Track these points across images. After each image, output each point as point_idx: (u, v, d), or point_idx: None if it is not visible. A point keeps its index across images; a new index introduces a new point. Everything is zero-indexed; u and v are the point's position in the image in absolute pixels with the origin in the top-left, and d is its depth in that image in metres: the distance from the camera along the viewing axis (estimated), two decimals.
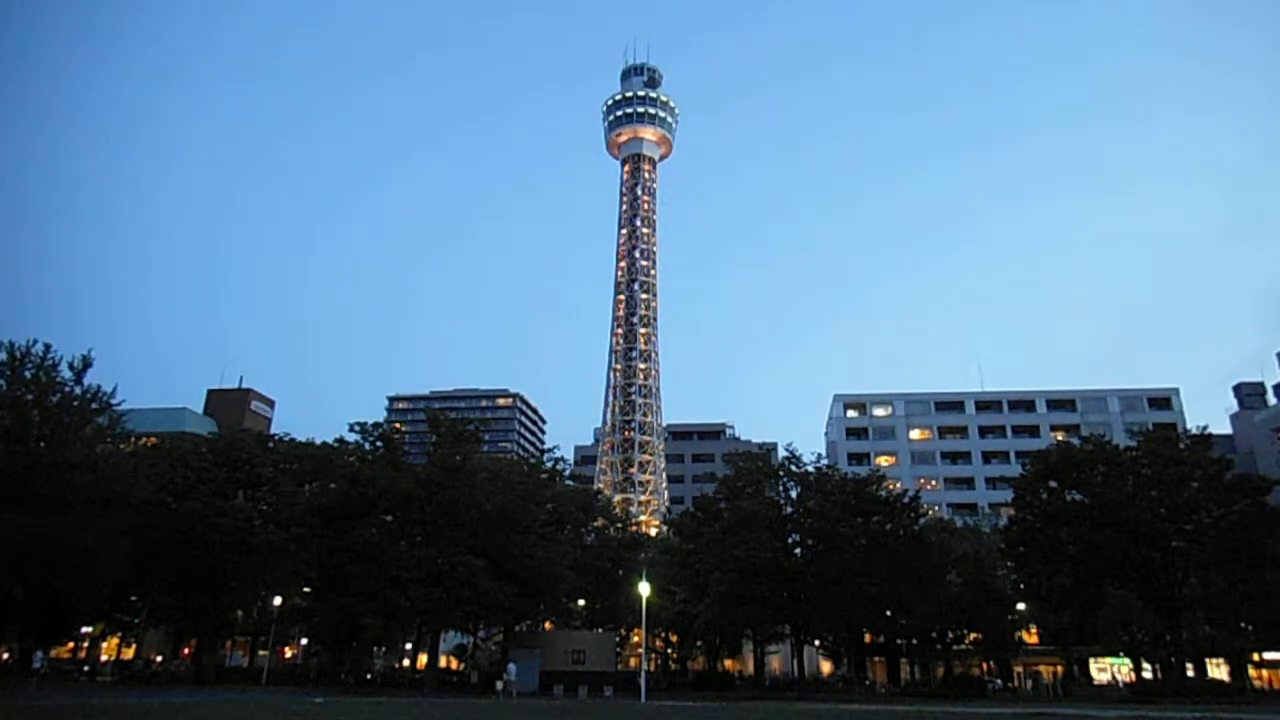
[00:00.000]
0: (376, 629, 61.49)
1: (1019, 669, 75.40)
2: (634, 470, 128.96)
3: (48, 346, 44.71)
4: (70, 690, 40.73)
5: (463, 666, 77.51)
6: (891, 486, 63.12)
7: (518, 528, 54.92)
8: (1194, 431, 59.37)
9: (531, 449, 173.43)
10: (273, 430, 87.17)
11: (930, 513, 72.55)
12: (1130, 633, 54.21)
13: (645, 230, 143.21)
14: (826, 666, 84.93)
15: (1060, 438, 74.31)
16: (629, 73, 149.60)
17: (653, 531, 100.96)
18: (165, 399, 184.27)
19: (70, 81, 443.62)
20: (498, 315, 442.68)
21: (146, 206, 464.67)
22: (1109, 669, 72.11)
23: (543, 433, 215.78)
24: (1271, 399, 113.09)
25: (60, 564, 39.74)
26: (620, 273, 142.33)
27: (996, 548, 62.72)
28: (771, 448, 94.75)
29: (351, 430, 58.71)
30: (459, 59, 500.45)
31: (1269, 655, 67.70)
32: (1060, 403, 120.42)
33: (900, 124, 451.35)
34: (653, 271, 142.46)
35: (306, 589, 59.50)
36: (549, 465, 72.99)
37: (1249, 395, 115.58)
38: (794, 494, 61.69)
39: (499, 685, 49.37)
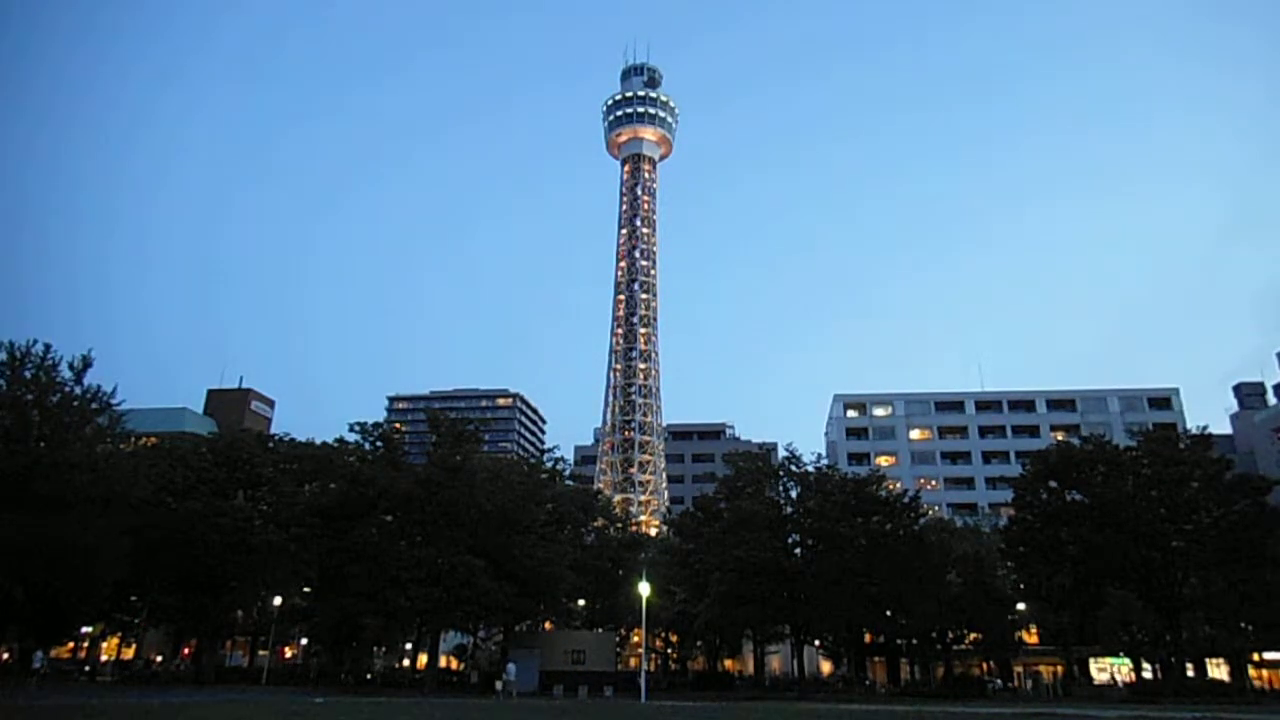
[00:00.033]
0: (376, 629, 61.49)
1: (1019, 669, 75.39)
2: (634, 470, 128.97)
3: (48, 346, 44.79)
4: (70, 690, 40.72)
5: (463, 666, 77.52)
6: (891, 486, 63.13)
7: (518, 528, 54.92)
8: (1194, 431, 59.42)
9: (531, 449, 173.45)
10: (273, 430, 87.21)
11: (930, 513, 72.55)
12: (1130, 633, 54.18)
13: (645, 230, 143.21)
14: (826, 666, 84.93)
15: (1060, 438, 74.36)
16: (629, 73, 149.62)
17: (653, 531, 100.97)
18: (165, 399, 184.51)
19: (70, 81, 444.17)
20: (498, 315, 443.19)
21: (146, 206, 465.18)
22: (1109, 669, 72.08)
23: (543, 433, 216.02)
24: (1271, 399, 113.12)
25: (60, 564, 39.74)
26: (620, 273, 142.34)
27: (996, 548, 62.74)
28: (771, 448, 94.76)
29: (351, 430, 58.81)
30: (459, 59, 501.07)
31: (1269, 655, 67.65)
32: (1060, 403, 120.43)
33: (900, 124, 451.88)
34: (653, 271, 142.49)
35: (306, 589, 59.50)
36: (549, 465, 73.01)
37: (1249, 395, 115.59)
38: (794, 494, 61.70)
39: (499, 685, 49.37)
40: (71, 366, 45.05)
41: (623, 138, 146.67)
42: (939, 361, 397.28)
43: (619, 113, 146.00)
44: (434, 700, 42.02)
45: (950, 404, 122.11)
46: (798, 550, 60.30)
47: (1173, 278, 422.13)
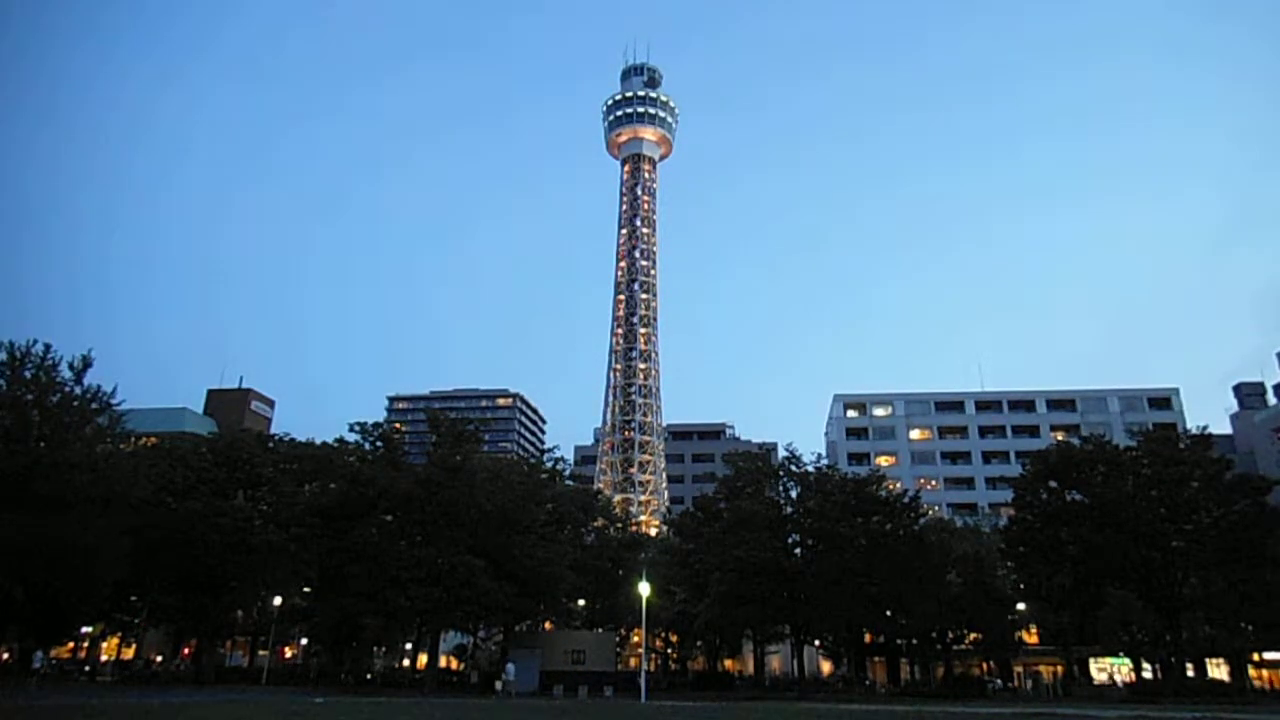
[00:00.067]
0: (376, 629, 61.50)
1: (1019, 669, 75.40)
2: (634, 470, 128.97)
3: (48, 346, 44.80)
4: (70, 690, 40.72)
5: (463, 666, 77.53)
6: (891, 486, 63.12)
7: (518, 528, 54.92)
8: (1194, 431, 59.40)
9: (531, 449, 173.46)
10: (273, 430, 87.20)
11: (930, 513, 72.55)
12: (1130, 633, 54.18)
13: (645, 230, 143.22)
14: (826, 666, 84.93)
15: (1060, 438, 74.35)
16: (629, 73, 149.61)
17: (653, 531, 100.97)
18: (165, 399, 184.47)
19: (70, 81, 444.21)
20: (498, 315, 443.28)
21: (147, 206, 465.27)
22: (1109, 669, 72.10)
23: (543, 433, 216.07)
24: (1271, 399, 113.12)
25: (60, 564, 39.73)
26: (620, 273, 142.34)
27: (996, 548, 62.73)
28: (771, 448, 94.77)
29: (351, 430, 58.79)
30: (459, 59, 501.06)
31: (1269, 655, 67.66)
32: (1060, 403, 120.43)
33: (900, 124, 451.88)
34: (653, 271, 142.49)
35: (306, 589, 59.50)
36: (549, 465, 73.01)
37: (1249, 395, 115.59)
38: (794, 494, 61.70)
39: (498, 685, 49.35)
40: (71, 366, 45.09)
41: (623, 138, 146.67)
42: (939, 361, 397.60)
43: (619, 113, 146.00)
44: (434, 700, 42.02)
45: (950, 404, 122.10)
46: (798, 550, 60.29)
47: (1173, 278, 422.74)
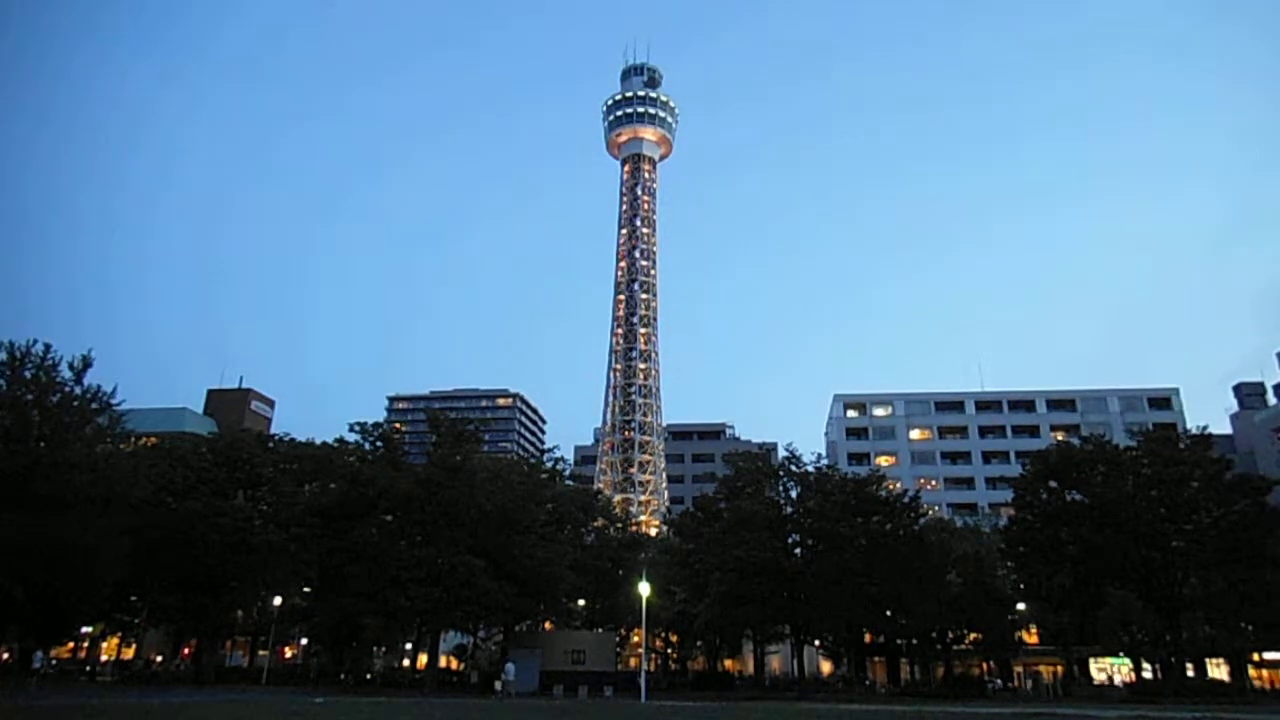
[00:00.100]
0: (376, 629, 61.50)
1: (1019, 669, 75.40)
2: (634, 470, 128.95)
3: (48, 346, 44.80)
4: (70, 690, 40.72)
5: (463, 666, 77.52)
6: (891, 486, 63.11)
7: (518, 528, 54.91)
8: (1194, 431, 59.38)
9: (531, 449, 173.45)
10: (273, 430, 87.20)
11: (930, 513, 72.54)
12: (1130, 633, 54.20)
13: (645, 230, 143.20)
14: (826, 666, 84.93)
15: (1060, 438, 74.33)
16: (629, 73, 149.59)
17: (653, 531, 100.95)
18: (165, 399, 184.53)
19: (70, 81, 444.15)
20: (498, 315, 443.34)
21: (147, 206, 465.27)
22: (1109, 669, 72.11)
23: (543, 433, 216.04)
24: (1271, 399, 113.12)
25: (60, 564, 39.73)
26: (620, 273, 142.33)
27: (996, 548, 62.72)
28: (771, 448, 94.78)
29: (351, 430, 58.78)
30: (459, 59, 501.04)
31: (1269, 655, 67.68)
32: (1060, 403, 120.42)
33: (900, 124, 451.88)
34: (653, 271, 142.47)
35: (306, 589, 59.49)
36: (549, 465, 72.99)
37: (1249, 395, 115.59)
38: (794, 494, 61.68)
39: (498, 685, 49.34)
40: (71, 366, 45.09)
41: (623, 138, 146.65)
42: (939, 361, 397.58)
43: (619, 113, 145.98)
44: (434, 700, 42.02)
45: (950, 404, 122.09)
46: (798, 550, 60.27)
47: (1173, 278, 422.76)
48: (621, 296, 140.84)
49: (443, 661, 75.09)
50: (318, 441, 62.13)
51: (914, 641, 65.48)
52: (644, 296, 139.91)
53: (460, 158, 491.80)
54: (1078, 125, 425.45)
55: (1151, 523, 53.65)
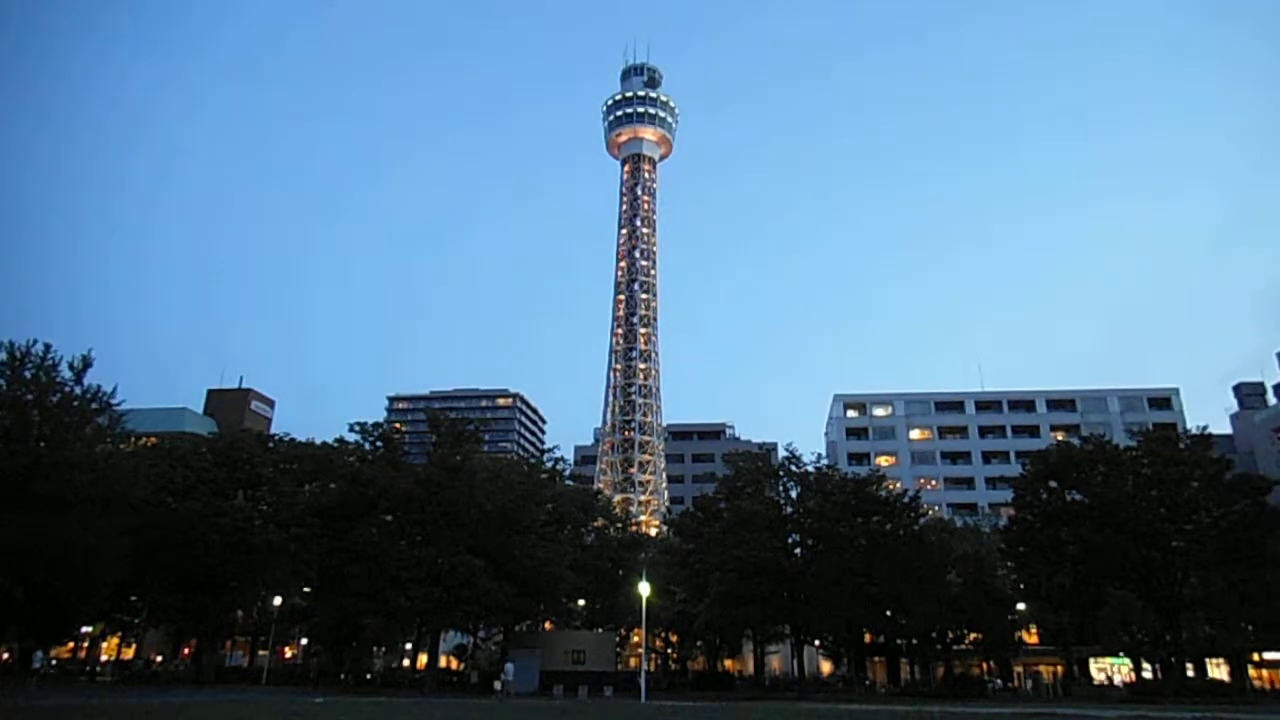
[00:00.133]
0: (376, 629, 61.51)
1: (1019, 669, 75.40)
2: (634, 470, 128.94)
3: (48, 346, 44.77)
4: (70, 690, 40.74)
5: (463, 666, 77.52)
6: (891, 486, 63.08)
7: (518, 528, 54.90)
8: (1194, 431, 59.37)
9: (531, 449, 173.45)
10: (273, 430, 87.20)
11: (930, 513, 72.54)
12: (1130, 633, 54.19)
13: (645, 230, 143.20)
14: (826, 666, 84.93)
15: (1060, 438, 74.32)
16: (629, 73, 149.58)
17: (653, 531, 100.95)
18: (165, 399, 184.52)
19: (70, 82, 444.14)
20: (498, 315, 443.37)
21: (147, 206, 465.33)
22: (1109, 669, 72.11)
23: (543, 433, 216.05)
24: (1271, 399, 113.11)
25: (60, 564, 39.72)
26: (620, 273, 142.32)
27: (996, 548, 62.71)
28: (771, 448, 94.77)
29: (351, 430, 58.73)
30: (459, 59, 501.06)
31: (1269, 655, 67.69)
32: (1060, 403, 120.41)
33: (900, 124, 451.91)
34: (653, 271, 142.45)
35: (306, 589, 59.49)
36: (549, 465, 72.97)
37: (1249, 395, 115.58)
38: (794, 494, 61.66)
39: (497, 685, 49.33)
40: (71, 366, 45.07)
41: (623, 138, 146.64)
42: (939, 361, 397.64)
43: (619, 113, 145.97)
44: (434, 700, 42.02)
45: (950, 404, 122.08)
46: (798, 550, 60.26)
47: (1173, 278, 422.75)
48: (621, 296, 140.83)
49: (443, 661, 75.08)
50: (318, 441, 62.14)
51: (914, 641, 65.47)
52: (644, 296, 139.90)
53: (460, 158, 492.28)
54: (1078, 125, 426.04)
55: (1151, 523, 53.64)
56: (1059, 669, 71.14)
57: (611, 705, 40.93)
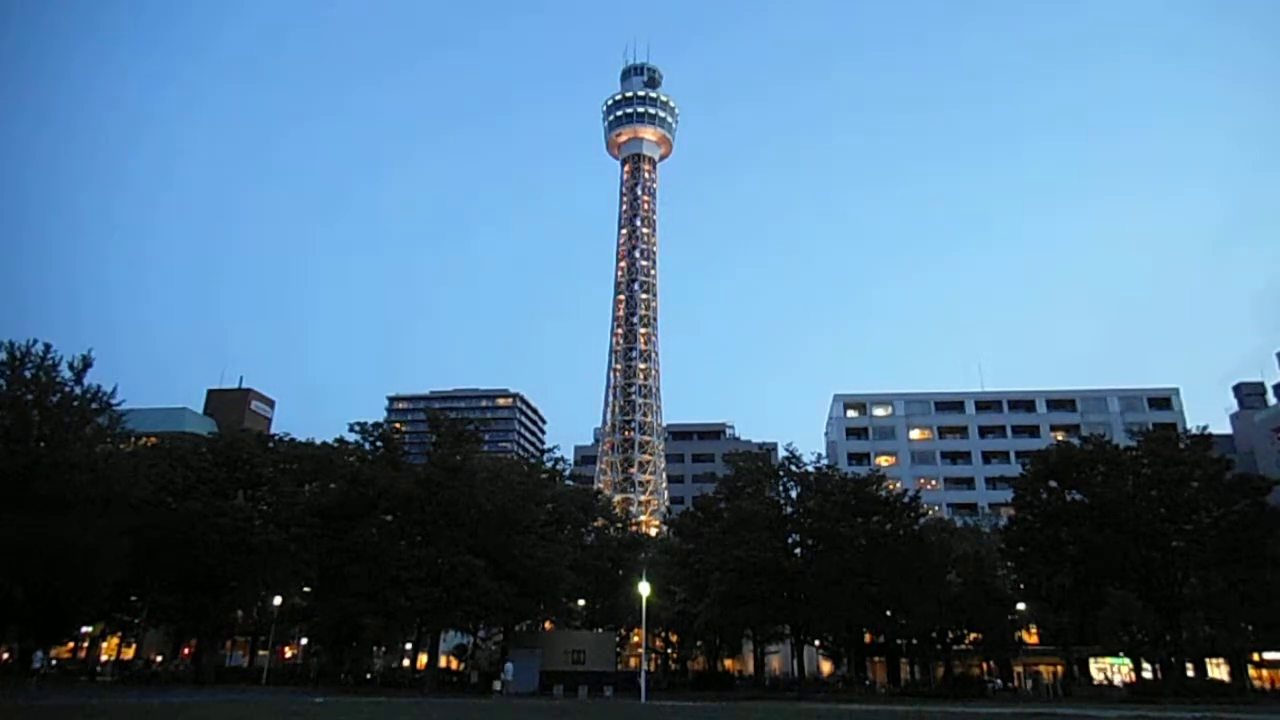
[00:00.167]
0: (376, 629, 61.49)
1: (1019, 669, 75.39)
2: (634, 470, 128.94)
3: (48, 346, 44.75)
4: (70, 690, 40.73)
5: (463, 666, 77.50)
6: (891, 486, 63.09)
7: (518, 528, 54.90)
8: (1194, 431, 59.37)
9: (531, 449, 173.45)
10: (273, 430, 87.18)
11: (930, 513, 72.54)
12: (1130, 633, 54.20)
13: (645, 230, 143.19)
14: (826, 666, 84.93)
15: (1060, 438, 74.33)
16: (629, 73, 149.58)
17: (653, 531, 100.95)
18: (165, 399, 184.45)
19: (70, 81, 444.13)
20: (498, 315, 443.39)
21: (147, 206, 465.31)
22: (1109, 669, 72.11)
23: (543, 433, 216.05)
24: (1271, 399, 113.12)
25: (60, 564, 39.71)
26: (620, 273, 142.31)
27: (996, 548, 62.72)
28: (771, 448, 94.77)
29: (351, 430, 58.72)
30: (459, 59, 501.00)
31: (1269, 655, 67.67)
32: (1060, 403, 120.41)
33: (900, 124, 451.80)
34: (653, 271, 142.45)
35: (306, 589, 59.48)
36: (549, 465, 72.97)
37: (1249, 395, 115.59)
38: (794, 494, 61.66)
39: (497, 685, 49.32)
40: (71, 366, 45.05)
41: (623, 138, 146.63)
42: (939, 361, 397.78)
43: (619, 113, 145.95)
44: (434, 700, 42.01)
45: (950, 404, 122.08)
46: (798, 550, 60.27)
47: (1173, 278, 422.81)
48: (621, 296, 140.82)
49: (443, 661, 75.07)
50: (318, 441, 62.12)
51: (914, 641, 65.47)
52: (644, 296, 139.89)
53: (460, 158, 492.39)
54: (1078, 125, 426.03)
55: (1151, 523, 53.64)
56: (1059, 669, 71.13)
57: (611, 705, 40.93)
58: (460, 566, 50.21)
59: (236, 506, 52.44)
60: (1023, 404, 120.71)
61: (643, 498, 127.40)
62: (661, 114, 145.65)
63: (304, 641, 73.93)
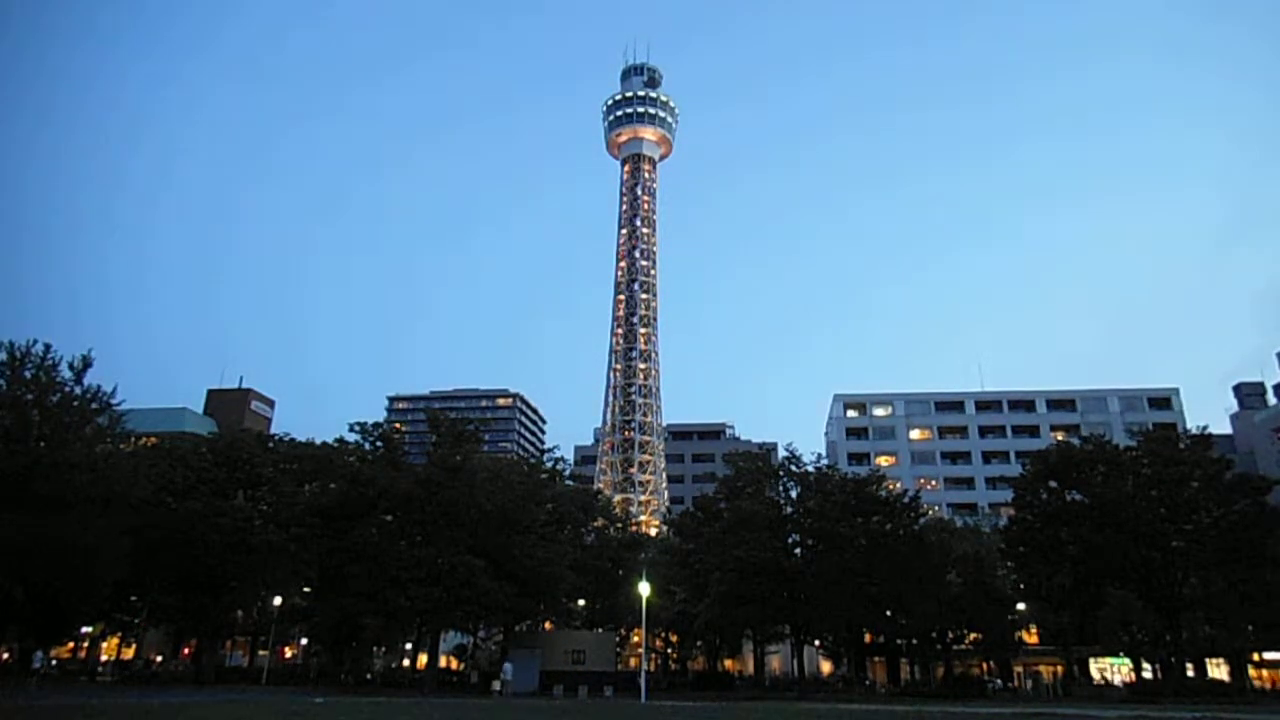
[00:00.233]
0: (376, 629, 61.45)
1: (1019, 669, 75.39)
2: (634, 470, 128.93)
3: (48, 346, 44.73)
4: (70, 690, 40.72)
5: (463, 666, 77.51)
6: (891, 486, 63.11)
7: (518, 528, 54.89)
8: (1194, 431, 59.36)
9: (531, 449, 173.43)
10: (273, 430, 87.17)
11: (930, 513, 72.53)
12: (1130, 633, 54.17)
13: (645, 230, 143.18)
14: (826, 666, 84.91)
15: (1060, 438, 74.32)
16: (629, 73, 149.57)
17: (653, 531, 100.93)
18: (165, 399, 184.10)
19: (70, 81, 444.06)
20: (498, 315, 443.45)
21: (147, 206, 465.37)
22: (1109, 669, 72.10)
23: (543, 433, 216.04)
24: (1271, 399, 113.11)
25: (60, 564, 39.69)
26: (620, 273, 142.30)
27: (996, 548, 62.71)
28: (771, 448, 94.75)
29: (351, 430, 58.73)
30: (459, 59, 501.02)
31: (1269, 655, 67.68)
32: (1060, 403, 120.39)
33: (900, 124, 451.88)
34: (653, 271, 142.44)
35: (306, 589, 59.48)
36: (549, 465, 72.94)
37: (1249, 395, 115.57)
38: (794, 494, 61.67)
39: (495, 685, 49.30)
40: (71, 366, 45.03)
41: (623, 138, 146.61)
42: (939, 361, 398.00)
43: (619, 113, 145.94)
44: (434, 700, 42.00)
45: (950, 404, 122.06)
46: (798, 550, 60.27)
47: (1173, 278, 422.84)
48: (621, 296, 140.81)
49: (443, 661, 75.07)
50: (318, 441, 62.11)
51: (914, 641, 65.45)
52: (644, 296, 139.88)
53: (460, 158, 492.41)
54: (1078, 125, 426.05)
55: (1151, 523, 53.63)
56: (1059, 669, 71.13)
57: (611, 705, 40.93)
58: (460, 566, 50.20)
59: (236, 506, 52.43)
60: (1023, 404, 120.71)
61: (643, 498, 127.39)
62: (661, 114, 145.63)
63: (304, 641, 73.92)
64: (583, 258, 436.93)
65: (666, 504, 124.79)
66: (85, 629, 63.79)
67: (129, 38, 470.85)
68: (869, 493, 58.29)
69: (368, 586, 50.12)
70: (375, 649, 77.22)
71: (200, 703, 33.33)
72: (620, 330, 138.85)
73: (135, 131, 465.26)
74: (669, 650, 78.96)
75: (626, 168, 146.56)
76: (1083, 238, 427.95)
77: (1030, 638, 73.89)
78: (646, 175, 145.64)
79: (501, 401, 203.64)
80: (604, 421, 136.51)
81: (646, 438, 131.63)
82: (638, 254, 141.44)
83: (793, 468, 60.76)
